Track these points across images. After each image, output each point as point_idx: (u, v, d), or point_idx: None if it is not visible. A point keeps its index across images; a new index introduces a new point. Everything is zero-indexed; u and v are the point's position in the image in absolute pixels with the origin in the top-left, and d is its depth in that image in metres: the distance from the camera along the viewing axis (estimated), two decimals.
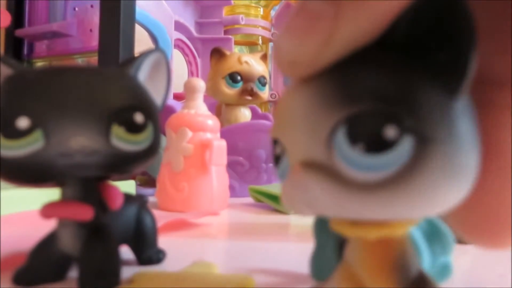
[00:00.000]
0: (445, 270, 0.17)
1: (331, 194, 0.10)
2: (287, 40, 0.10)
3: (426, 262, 0.16)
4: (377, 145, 0.09)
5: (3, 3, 0.83)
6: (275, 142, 0.12)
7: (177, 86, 0.80)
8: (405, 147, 0.09)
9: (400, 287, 0.12)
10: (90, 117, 0.17)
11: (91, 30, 0.76)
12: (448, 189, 0.09)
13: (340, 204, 0.10)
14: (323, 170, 0.10)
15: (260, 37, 1.04)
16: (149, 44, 0.76)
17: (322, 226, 0.19)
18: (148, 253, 0.24)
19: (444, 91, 0.09)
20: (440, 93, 0.09)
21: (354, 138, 0.09)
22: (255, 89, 0.62)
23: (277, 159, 0.12)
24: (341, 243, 0.16)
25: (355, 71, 0.10)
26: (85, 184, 0.20)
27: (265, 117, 0.71)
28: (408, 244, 0.13)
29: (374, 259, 0.13)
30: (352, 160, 0.09)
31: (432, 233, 0.17)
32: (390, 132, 0.09)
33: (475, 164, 0.10)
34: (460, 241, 0.30)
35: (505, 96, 0.11)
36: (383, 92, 0.09)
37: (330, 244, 0.18)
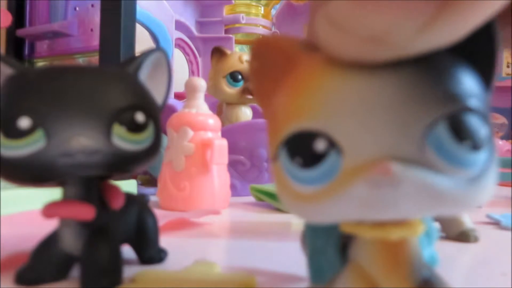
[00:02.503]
0: (433, 261, 0.17)
1: (427, 192, 0.09)
2: (375, 11, 0.09)
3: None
4: (480, 142, 0.09)
5: (4, 3, 0.83)
6: (314, 136, 0.10)
7: (178, 85, 0.80)
8: (490, 144, 0.10)
9: (414, 285, 0.12)
10: (91, 117, 0.17)
11: (92, 30, 0.76)
12: (496, 179, 0.10)
13: (428, 202, 0.09)
14: (419, 166, 0.09)
15: (261, 36, 1.04)
16: (150, 44, 0.76)
17: (316, 232, 0.18)
18: (150, 253, 0.24)
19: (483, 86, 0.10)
20: (484, 93, 0.10)
21: (461, 134, 0.09)
22: None
23: (315, 158, 0.10)
24: (343, 245, 0.15)
25: (449, 68, 0.10)
26: (87, 183, 0.20)
27: None
28: (417, 244, 0.13)
29: (388, 258, 0.12)
30: (456, 156, 0.09)
31: None
32: (485, 130, 0.09)
33: None
34: (455, 238, 0.30)
35: None
36: (473, 92, 0.10)
37: (330, 248, 0.17)
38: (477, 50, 0.10)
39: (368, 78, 0.09)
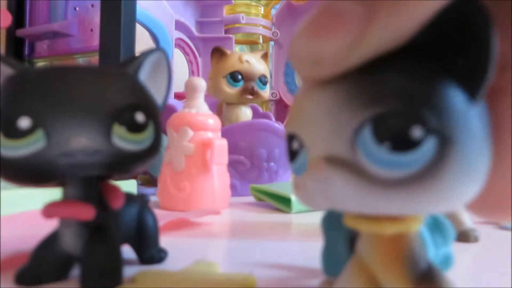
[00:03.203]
0: (447, 261, 0.17)
1: (355, 189, 0.10)
2: (310, 39, 0.10)
3: (430, 254, 0.17)
4: (404, 144, 0.09)
5: (4, 3, 0.83)
6: (292, 137, 0.12)
7: (178, 85, 0.80)
8: (429, 147, 0.09)
9: (410, 278, 0.13)
10: (91, 117, 0.17)
11: (92, 30, 0.76)
12: (465, 185, 0.10)
13: (362, 199, 0.10)
14: (347, 166, 0.10)
15: (260, 36, 1.04)
16: (150, 44, 0.76)
17: (331, 223, 0.19)
18: (150, 253, 0.24)
19: (463, 95, 0.10)
20: (459, 96, 0.10)
21: (381, 136, 0.10)
22: (256, 88, 0.62)
23: (293, 154, 0.12)
24: (352, 238, 0.16)
25: (381, 73, 0.10)
26: (87, 183, 0.20)
27: (266, 116, 0.71)
28: (417, 238, 0.13)
29: (386, 252, 0.13)
30: (378, 157, 0.10)
31: (434, 224, 0.17)
32: (416, 132, 0.09)
33: (488, 162, 0.10)
34: (459, 238, 0.30)
35: (508, 79, 0.11)
36: (409, 93, 0.10)
37: (341, 240, 0.18)
38: (461, 49, 0.10)
39: (318, 90, 0.11)
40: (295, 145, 0.12)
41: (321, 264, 0.20)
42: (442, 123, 0.09)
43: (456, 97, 0.10)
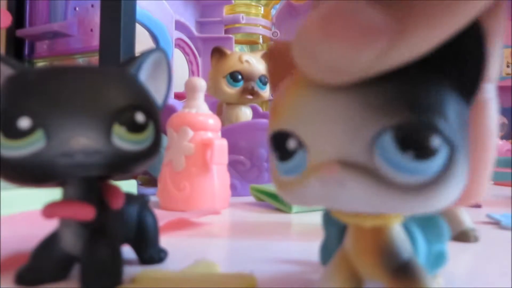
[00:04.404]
0: (440, 258, 0.17)
1: (370, 193, 0.10)
2: (332, 46, 0.10)
3: (421, 250, 0.17)
4: (426, 152, 0.10)
5: (4, 3, 0.83)
6: (287, 135, 0.12)
7: (178, 85, 0.81)
8: (444, 154, 0.10)
9: (387, 270, 0.14)
10: (91, 117, 0.17)
11: (91, 30, 0.76)
12: (460, 187, 0.11)
13: (376, 202, 0.11)
14: (363, 170, 0.10)
15: (260, 36, 1.04)
16: (150, 44, 0.76)
17: (329, 218, 0.19)
18: (150, 253, 0.24)
19: (462, 105, 0.11)
20: (460, 107, 0.11)
21: (405, 145, 0.10)
22: (256, 88, 0.62)
23: (287, 154, 0.12)
24: (343, 232, 0.17)
25: (397, 81, 0.10)
26: (87, 184, 0.20)
27: (266, 116, 0.71)
28: (397, 233, 0.14)
29: (364, 244, 0.14)
30: (400, 164, 0.10)
31: (426, 221, 0.17)
32: (436, 141, 0.10)
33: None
34: (455, 238, 0.30)
35: (489, 89, 0.12)
36: (427, 104, 0.10)
37: (339, 234, 0.19)
38: (462, 64, 0.11)
39: (331, 91, 0.11)
40: (292, 144, 0.12)
41: (319, 256, 0.21)
42: (452, 132, 0.10)
43: (458, 107, 0.11)
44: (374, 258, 0.14)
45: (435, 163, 0.10)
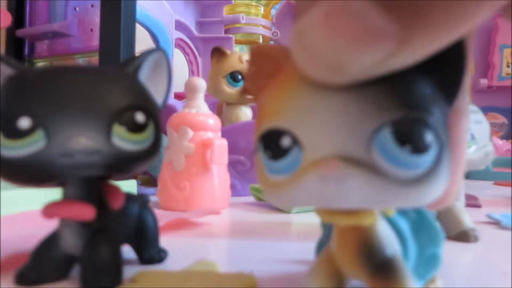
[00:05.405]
0: (433, 261, 0.17)
1: (370, 188, 0.11)
2: (336, 47, 0.09)
3: (411, 253, 0.17)
4: (421, 147, 0.11)
5: (4, 3, 0.83)
6: (280, 133, 0.12)
7: (178, 85, 0.81)
8: (434, 150, 0.11)
9: (366, 267, 0.14)
10: (91, 117, 0.17)
11: (91, 30, 0.76)
12: (445, 183, 0.12)
13: (375, 197, 0.11)
14: (363, 165, 0.11)
15: (260, 36, 1.04)
16: (150, 44, 0.76)
17: None
18: (150, 253, 0.24)
19: (445, 107, 0.12)
20: (443, 108, 0.11)
21: (402, 140, 0.10)
22: None
23: (281, 152, 0.12)
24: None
25: (395, 80, 0.11)
26: (87, 183, 0.20)
27: None
28: (379, 230, 0.15)
29: (345, 242, 0.15)
30: (398, 158, 0.11)
31: (420, 224, 0.17)
32: (430, 136, 0.11)
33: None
34: (455, 238, 0.30)
35: (464, 100, 0.12)
36: (422, 101, 0.11)
37: (327, 231, 0.20)
38: (446, 68, 0.11)
39: (327, 88, 0.11)
40: (286, 142, 0.12)
41: (314, 252, 0.21)
42: (442, 129, 0.11)
43: (443, 106, 0.11)
44: (354, 256, 0.14)
45: (428, 158, 0.11)
